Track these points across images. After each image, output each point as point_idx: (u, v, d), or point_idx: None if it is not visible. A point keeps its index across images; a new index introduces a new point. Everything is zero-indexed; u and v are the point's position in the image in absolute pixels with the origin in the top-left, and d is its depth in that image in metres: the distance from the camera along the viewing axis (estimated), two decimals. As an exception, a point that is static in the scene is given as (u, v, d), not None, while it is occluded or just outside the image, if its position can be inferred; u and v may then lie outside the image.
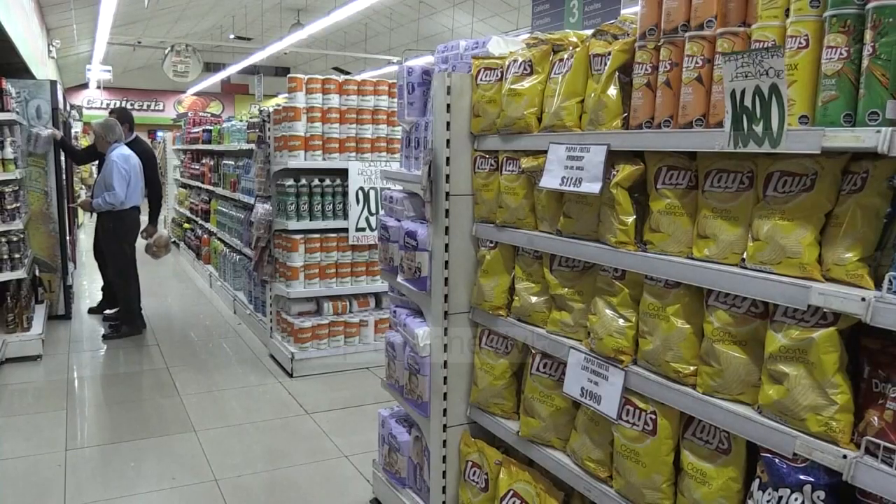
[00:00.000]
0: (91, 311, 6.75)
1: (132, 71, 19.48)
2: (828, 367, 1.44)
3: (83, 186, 14.71)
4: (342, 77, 5.36)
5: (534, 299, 2.30)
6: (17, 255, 5.23)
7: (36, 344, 5.30)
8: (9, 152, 5.17)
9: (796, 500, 1.45)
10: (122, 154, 5.66)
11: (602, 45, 2.02)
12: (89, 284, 8.29)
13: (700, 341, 1.74)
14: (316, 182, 5.08)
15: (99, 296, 6.86)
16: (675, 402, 1.77)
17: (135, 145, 6.08)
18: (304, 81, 4.95)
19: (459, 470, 2.65)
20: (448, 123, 2.48)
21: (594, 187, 1.93)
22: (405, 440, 2.87)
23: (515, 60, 2.29)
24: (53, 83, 6.39)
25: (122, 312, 6.05)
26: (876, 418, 1.37)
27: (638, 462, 1.87)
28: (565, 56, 2.14)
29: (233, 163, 6.99)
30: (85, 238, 11.79)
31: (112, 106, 20.20)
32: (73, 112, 12.84)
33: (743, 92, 1.50)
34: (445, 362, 2.59)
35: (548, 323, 2.24)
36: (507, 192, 2.35)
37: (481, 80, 2.42)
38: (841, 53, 1.39)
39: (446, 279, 2.55)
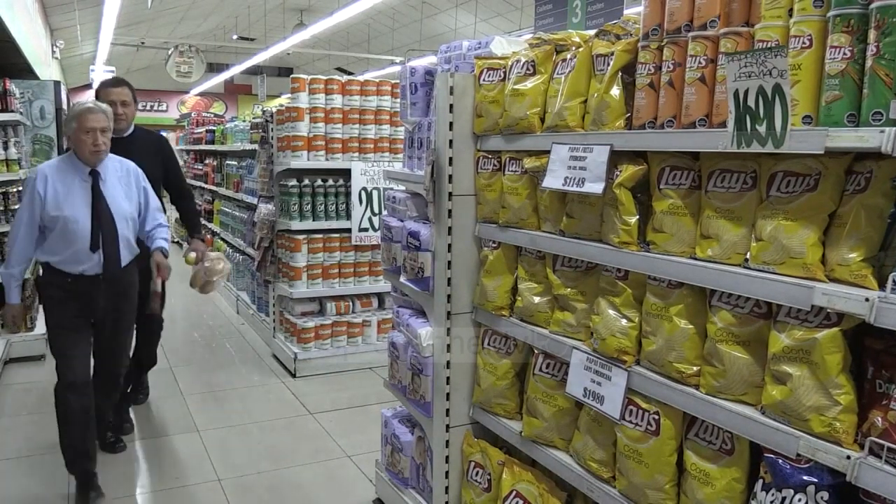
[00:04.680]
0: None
1: (135, 71, 19.49)
2: (831, 368, 1.43)
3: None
4: (345, 77, 5.36)
5: (536, 299, 2.29)
6: (21, 256, 5.23)
7: (39, 344, 5.31)
8: (13, 153, 5.18)
9: (800, 500, 1.44)
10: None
11: (605, 45, 2.01)
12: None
13: (703, 342, 1.74)
14: (319, 182, 5.08)
15: None
16: (678, 402, 1.77)
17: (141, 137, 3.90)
18: (307, 82, 4.95)
19: (462, 470, 2.65)
20: (451, 124, 2.48)
21: (597, 187, 1.93)
22: (408, 440, 2.87)
23: (518, 61, 2.29)
24: (57, 84, 6.41)
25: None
26: (880, 419, 1.37)
27: (641, 462, 1.86)
28: (568, 56, 2.14)
29: (236, 163, 7.00)
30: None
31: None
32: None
33: (746, 92, 1.50)
34: (448, 362, 2.59)
35: (550, 323, 2.24)
36: (510, 192, 2.35)
37: (484, 80, 2.42)
38: (844, 53, 1.39)
39: (449, 279, 2.55)
